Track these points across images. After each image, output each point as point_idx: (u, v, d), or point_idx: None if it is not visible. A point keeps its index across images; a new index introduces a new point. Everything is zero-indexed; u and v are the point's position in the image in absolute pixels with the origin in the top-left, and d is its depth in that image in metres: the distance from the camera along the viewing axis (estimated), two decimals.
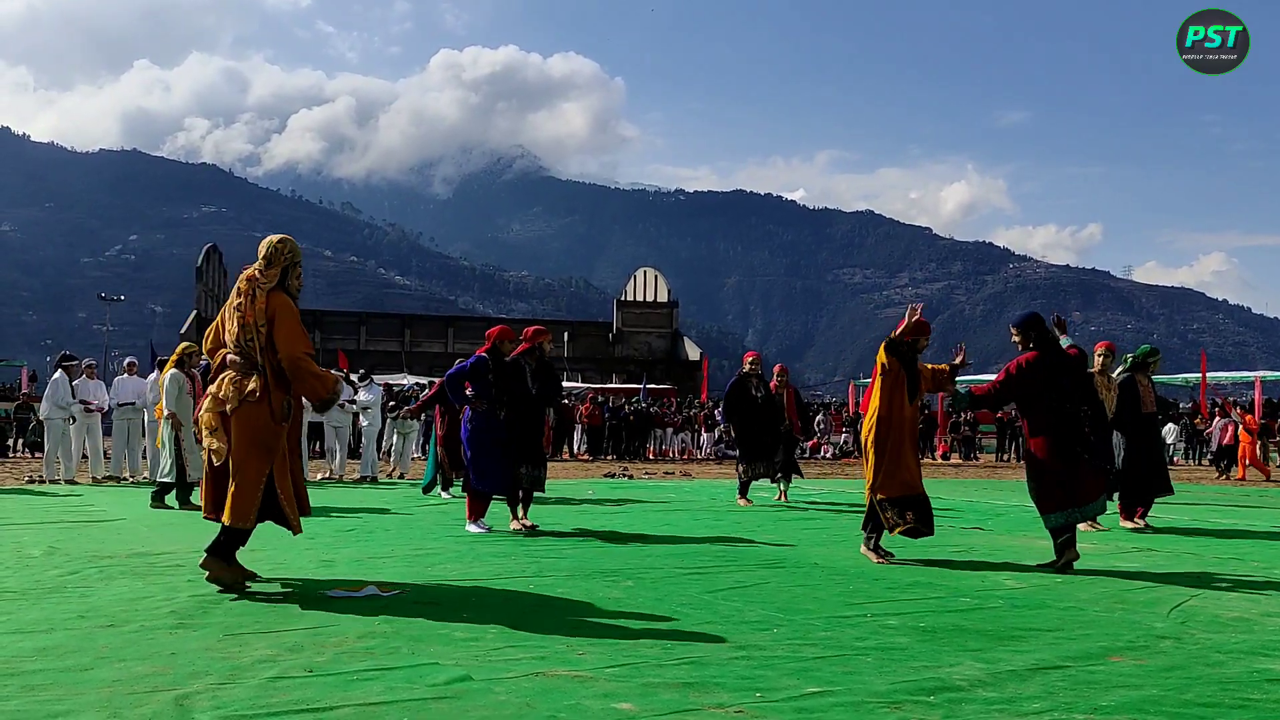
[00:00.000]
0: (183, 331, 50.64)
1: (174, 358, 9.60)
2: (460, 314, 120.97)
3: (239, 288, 4.77)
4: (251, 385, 4.61)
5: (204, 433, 4.70)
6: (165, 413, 9.44)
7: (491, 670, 3.28)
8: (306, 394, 4.69)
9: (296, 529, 4.82)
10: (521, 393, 7.50)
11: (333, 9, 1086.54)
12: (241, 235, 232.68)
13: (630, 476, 16.60)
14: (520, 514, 7.60)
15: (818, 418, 29.83)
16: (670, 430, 26.53)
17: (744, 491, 10.59)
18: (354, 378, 14.24)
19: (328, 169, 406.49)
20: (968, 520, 9.09)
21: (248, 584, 4.72)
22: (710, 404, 28.37)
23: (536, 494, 7.88)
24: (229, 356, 4.73)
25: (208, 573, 4.63)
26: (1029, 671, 3.39)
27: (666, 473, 18.12)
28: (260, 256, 4.77)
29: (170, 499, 9.26)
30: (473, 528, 7.45)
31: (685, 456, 25.82)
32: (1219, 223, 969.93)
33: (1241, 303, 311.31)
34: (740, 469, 10.66)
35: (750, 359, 10.80)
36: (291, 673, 3.19)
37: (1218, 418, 23.31)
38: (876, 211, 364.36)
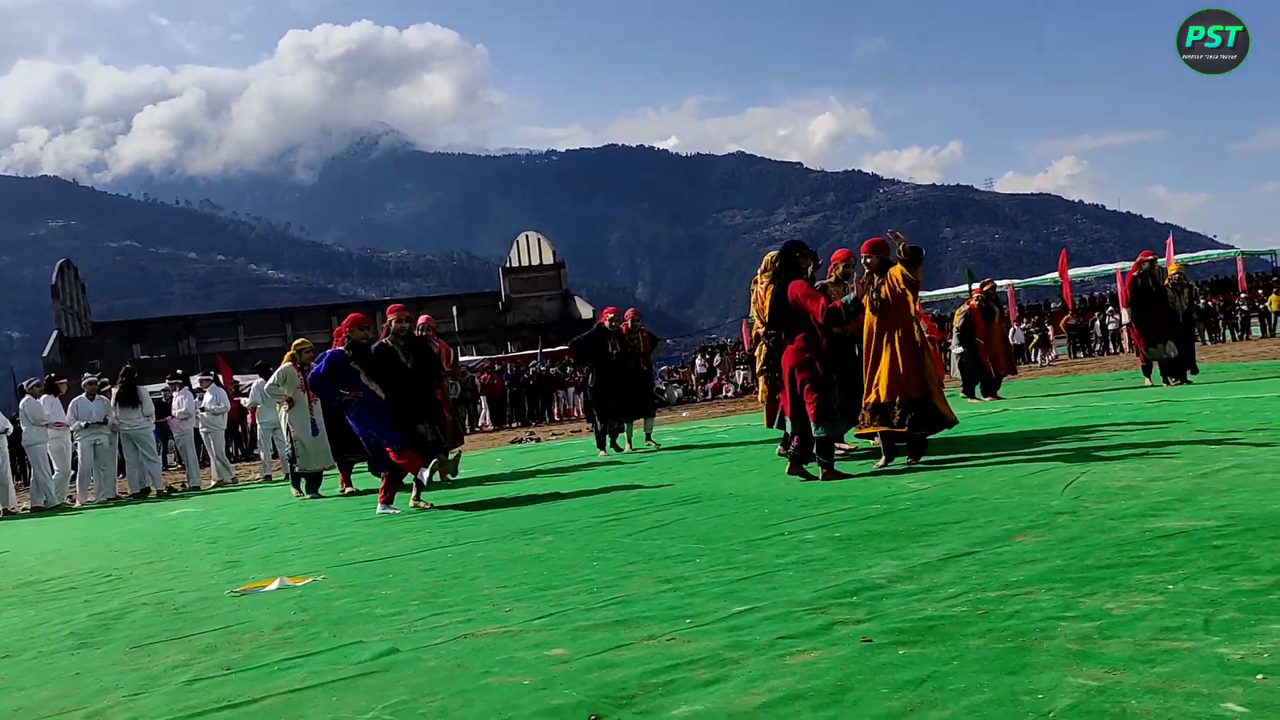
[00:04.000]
0: (45, 354, 47.90)
1: (289, 353, 10.01)
2: (341, 300, 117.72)
3: (752, 288, 7.90)
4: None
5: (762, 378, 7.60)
6: (283, 405, 9.78)
7: (418, 640, 3.22)
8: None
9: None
10: (398, 371, 7.48)
11: (164, 1, 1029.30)
12: (95, 247, 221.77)
13: (537, 440, 16.53)
14: (418, 492, 7.56)
15: (715, 359, 30.23)
16: (572, 390, 26.49)
17: (601, 443, 10.66)
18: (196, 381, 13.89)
19: (181, 167, 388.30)
20: None
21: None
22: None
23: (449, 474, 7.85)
24: (758, 331, 7.79)
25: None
26: (941, 561, 3.51)
27: (573, 432, 18.11)
28: (760, 269, 7.74)
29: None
30: (384, 509, 7.31)
31: None
32: (1070, 127, 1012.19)
33: (1097, 201, 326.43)
34: (596, 423, 10.72)
35: (609, 314, 10.73)
36: (208, 673, 3.07)
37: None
38: (748, 152, 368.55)
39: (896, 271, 6.34)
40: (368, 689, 2.72)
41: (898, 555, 3.71)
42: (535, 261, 58.82)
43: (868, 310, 6.43)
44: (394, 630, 3.40)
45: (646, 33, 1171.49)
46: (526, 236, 61.41)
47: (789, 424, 6.61)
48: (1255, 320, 28.70)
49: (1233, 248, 48.42)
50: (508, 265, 60.05)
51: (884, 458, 6.51)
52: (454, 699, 2.54)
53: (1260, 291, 30.43)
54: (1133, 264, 12.04)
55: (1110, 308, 31.21)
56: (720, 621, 3.03)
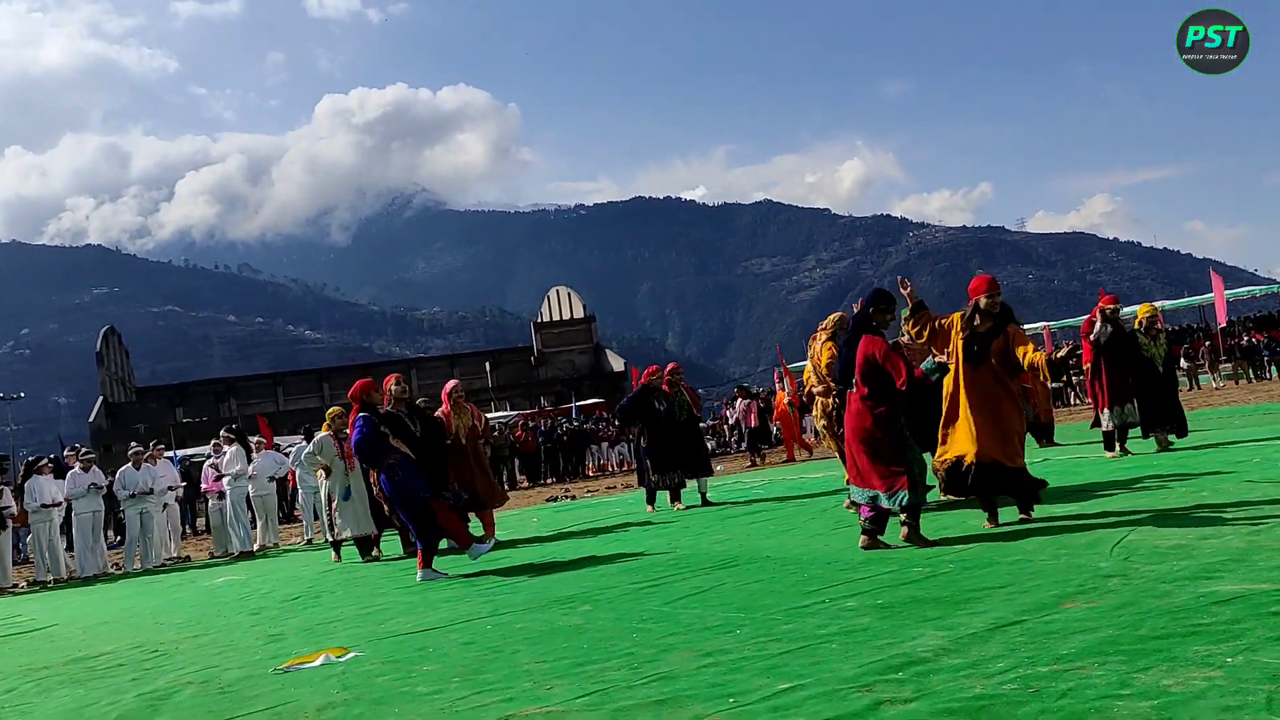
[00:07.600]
0: (91, 420, 48.70)
1: (325, 423, 10.19)
2: (377, 359, 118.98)
3: (810, 344, 8.17)
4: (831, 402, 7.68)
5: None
6: (320, 472, 10.10)
7: None
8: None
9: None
10: (410, 435, 7.58)
11: (202, 71, 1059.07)
12: (138, 313, 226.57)
13: (573, 497, 16.50)
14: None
15: None
16: (606, 444, 26.47)
17: (651, 499, 10.65)
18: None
19: (221, 231, 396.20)
20: None
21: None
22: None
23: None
24: (813, 388, 8.15)
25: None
26: (988, 632, 3.45)
27: (609, 488, 18.07)
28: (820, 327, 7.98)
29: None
30: (425, 575, 7.28)
31: (625, 468, 25.76)
32: (1101, 163, 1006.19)
33: (1132, 238, 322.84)
34: (650, 478, 10.69)
35: (651, 372, 10.81)
36: None
37: (739, 399, 23.20)
38: (775, 200, 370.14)
39: (1025, 341, 5.94)
40: None
41: (943, 625, 3.64)
42: (566, 316, 59.17)
43: (961, 357, 6.01)
44: (435, 710, 3.38)
45: (674, 84, 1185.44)
46: (557, 291, 61.86)
47: (853, 490, 5.97)
48: None
49: (1276, 281, 47.24)
50: (539, 320, 60.49)
51: (989, 518, 6.06)
52: None
53: None
54: (1094, 309, 10.22)
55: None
56: (764, 701, 2.99)
